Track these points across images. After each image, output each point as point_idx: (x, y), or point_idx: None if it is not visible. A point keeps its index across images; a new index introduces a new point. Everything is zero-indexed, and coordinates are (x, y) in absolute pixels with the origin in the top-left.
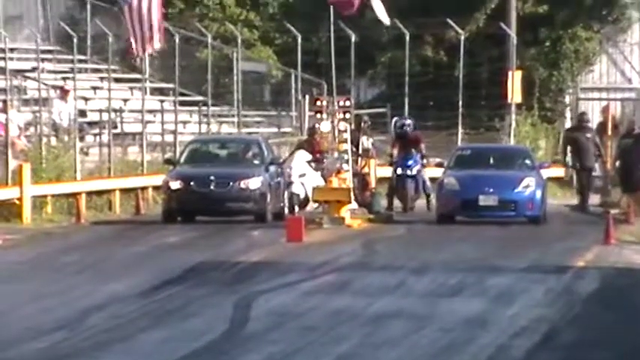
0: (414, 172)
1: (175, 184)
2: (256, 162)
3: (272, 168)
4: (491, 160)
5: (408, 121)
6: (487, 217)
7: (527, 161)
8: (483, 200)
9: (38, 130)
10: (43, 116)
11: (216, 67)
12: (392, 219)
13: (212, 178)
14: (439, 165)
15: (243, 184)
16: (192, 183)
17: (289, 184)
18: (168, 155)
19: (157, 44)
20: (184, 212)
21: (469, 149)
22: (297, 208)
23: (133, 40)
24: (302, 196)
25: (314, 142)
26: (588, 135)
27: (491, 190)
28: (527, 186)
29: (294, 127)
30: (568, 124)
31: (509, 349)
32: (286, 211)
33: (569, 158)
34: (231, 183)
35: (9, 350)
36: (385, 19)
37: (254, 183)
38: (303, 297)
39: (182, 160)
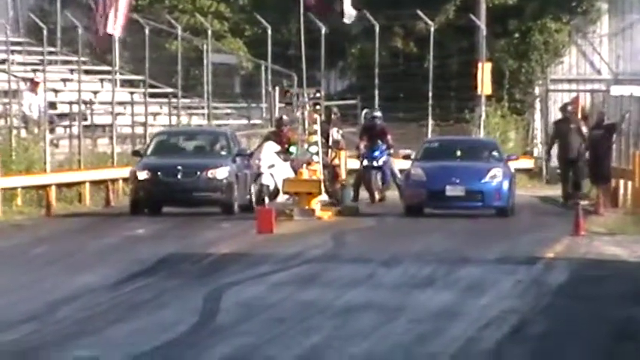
0: (380, 163)
1: (142, 175)
2: (223, 153)
3: (239, 159)
4: (459, 152)
5: (378, 113)
6: (454, 208)
7: (495, 153)
8: (450, 191)
9: (8, 122)
10: (12, 108)
11: (187, 59)
12: (357, 212)
13: (179, 167)
14: (406, 157)
15: (210, 174)
16: (159, 173)
17: (258, 175)
18: (136, 147)
19: (119, 29)
20: (152, 202)
21: (437, 142)
22: (267, 200)
23: (99, 23)
24: (271, 187)
25: (281, 134)
26: (572, 126)
27: (458, 180)
28: (494, 176)
29: (265, 119)
30: (538, 116)
31: (479, 341)
32: (253, 203)
33: (554, 150)
34: (198, 173)
35: None
36: (352, 13)
37: (221, 173)
38: (273, 289)
39: (149, 151)
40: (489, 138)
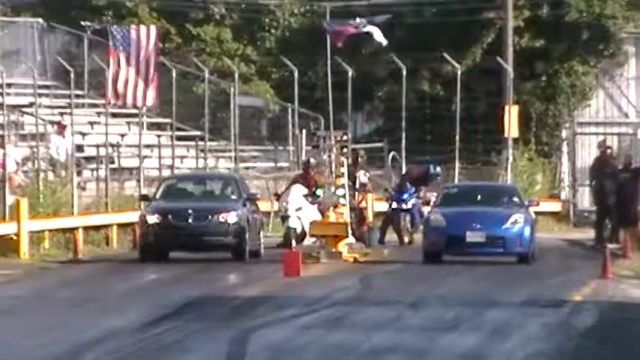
0: (409, 205)
1: (152, 218)
2: (233, 197)
3: (249, 204)
4: (479, 198)
5: (440, 170)
6: (474, 254)
7: (516, 199)
8: (470, 236)
9: (35, 165)
10: (40, 151)
11: (214, 102)
12: (384, 254)
13: (190, 211)
14: (426, 203)
15: (222, 218)
16: (169, 217)
17: (286, 218)
18: (144, 191)
19: (150, 101)
20: (161, 246)
21: (456, 187)
22: (294, 243)
23: (125, 96)
24: (299, 230)
25: (308, 177)
26: (608, 170)
27: (479, 226)
28: (516, 222)
29: (291, 162)
30: (565, 159)
31: None
32: (262, 249)
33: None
34: (209, 217)
35: None
36: (382, 39)
37: (232, 217)
38: (300, 331)
39: (158, 195)
40: (510, 184)
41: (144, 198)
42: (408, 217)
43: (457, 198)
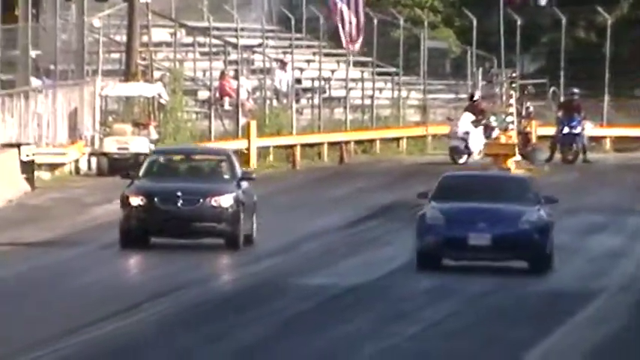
0: (578, 130)
1: (136, 200)
2: (226, 177)
3: (244, 184)
4: (485, 191)
5: (577, 90)
6: (478, 260)
7: (529, 193)
8: (474, 239)
9: (262, 94)
10: (266, 83)
11: (406, 44)
12: (544, 171)
13: (179, 193)
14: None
15: (214, 202)
16: (156, 199)
17: (450, 137)
18: (129, 172)
19: (358, 46)
20: (145, 232)
21: (456, 178)
22: (462, 159)
23: (342, 36)
24: (461, 147)
25: (475, 106)
26: None
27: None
28: (528, 222)
29: (469, 94)
30: None
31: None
32: (254, 234)
33: None
34: (201, 200)
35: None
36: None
37: (226, 200)
38: None
39: (142, 173)
40: (522, 174)
41: (126, 176)
42: (578, 139)
43: (458, 190)
